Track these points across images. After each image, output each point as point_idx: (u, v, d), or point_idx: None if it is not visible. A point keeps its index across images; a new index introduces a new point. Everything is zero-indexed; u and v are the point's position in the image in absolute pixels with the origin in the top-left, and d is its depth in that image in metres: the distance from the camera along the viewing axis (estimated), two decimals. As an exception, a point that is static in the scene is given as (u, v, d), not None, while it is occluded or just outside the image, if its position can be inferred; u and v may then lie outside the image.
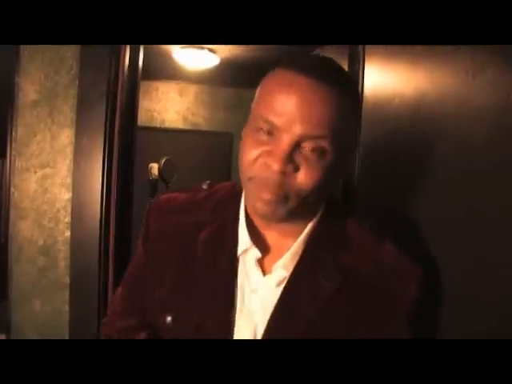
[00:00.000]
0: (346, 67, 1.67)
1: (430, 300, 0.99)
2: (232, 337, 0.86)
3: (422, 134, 1.18)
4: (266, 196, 0.76)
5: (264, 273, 0.87)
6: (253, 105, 0.83)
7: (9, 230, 1.88)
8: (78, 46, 1.82)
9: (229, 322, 0.86)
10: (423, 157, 1.17)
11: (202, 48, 3.66)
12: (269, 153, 0.75)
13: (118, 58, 1.87)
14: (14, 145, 1.86)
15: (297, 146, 0.75)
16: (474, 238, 0.97)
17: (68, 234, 1.86)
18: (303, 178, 0.76)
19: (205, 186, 1.00)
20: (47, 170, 1.86)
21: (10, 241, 1.88)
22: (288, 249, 0.87)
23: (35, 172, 1.86)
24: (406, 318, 0.86)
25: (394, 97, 1.34)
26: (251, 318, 0.86)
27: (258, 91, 0.83)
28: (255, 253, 0.87)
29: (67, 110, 1.85)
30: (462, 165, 1.02)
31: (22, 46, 1.83)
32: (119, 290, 1.06)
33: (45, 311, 1.87)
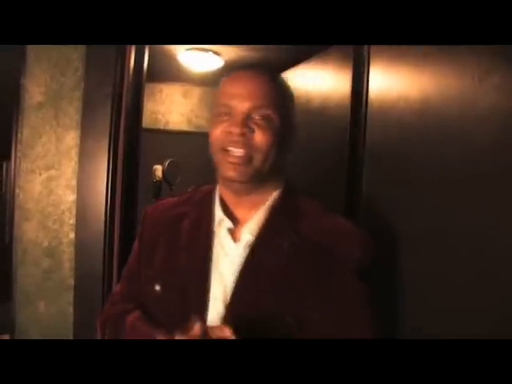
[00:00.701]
0: (350, 70, 1.67)
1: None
2: (208, 297, 1.01)
3: (427, 137, 1.18)
4: (234, 160, 0.99)
5: (235, 241, 1.04)
6: (214, 100, 1.07)
7: (13, 232, 1.89)
8: (84, 47, 1.83)
9: (205, 285, 1.02)
10: (428, 159, 1.17)
11: (207, 50, 3.66)
12: (229, 124, 1.00)
13: (124, 60, 1.87)
14: (19, 146, 1.87)
15: (248, 116, 0.99)
16: (480, 239, 0.97)
17: (73, 235, 1.87)
18: (259, 137, 0.99)
19: (190, 189, 1.18)
20: (52, 172, 1.86)
21: (14, 242, 1.88)
22: (253, 217, 1.06)
23: (40, 174, 1.86)
24: (351, 275, 0.99)
25: (399, 100, 1.34)
26: (223, 278, 1.02)
27: (217, 91, 1.07)
28: (227, 224, 1.05)
29: (72, 111, 1.86)
30: (467, 167, 1.02)
31: (27, 48, 1.84)
32: (118, 284, 1.24)
33: (49, 313, 1.87)
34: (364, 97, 1.56)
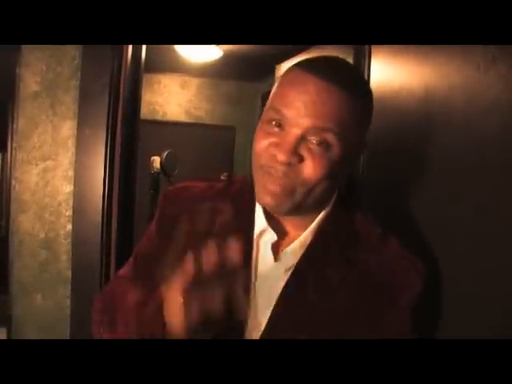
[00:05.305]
0: (351, 60, 1.65)
1: (432, 296, 0.98)
2: (246, 320, 0.88)
3: (430, 129, 1.16)
4: (273, 188, 0.82)
5: (275, 259, 0.90)
6: (268, 99, 0.87)
7: (10, 224, 1.87)
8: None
9: (244, 305, 0.87)
10: (431, 151, 1.15)
11: (205, 40, 3.63)
12: (277, 144, 0.81)
13: (121, 50, 1.85)
14: (15, 137, 1.85)
15: (303, 138, 0.80)
16: (484, 233, 0.96)
17: (70, 227, 1.85)
18: (308, 169, 0.80)
19: (223, 177, 1.04)
20: (49, 163, 1.84)
21: (10, 234, 1.87)
22: (299, 237, 0.90)
23: (36, 164, 1.84)
24: (407, 312, 0.87)
25: (402, 90, 1.32)
26: (256, 303, 0.89)
27: (274, 87, 0.88)
28: (271, 235, 0.89)
29: (69, 101, 1.83)
30: (472, 158, 1.01)
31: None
32: (124, 268, 1.04)
33: (46, 305, 1.86)
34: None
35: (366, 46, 1.54)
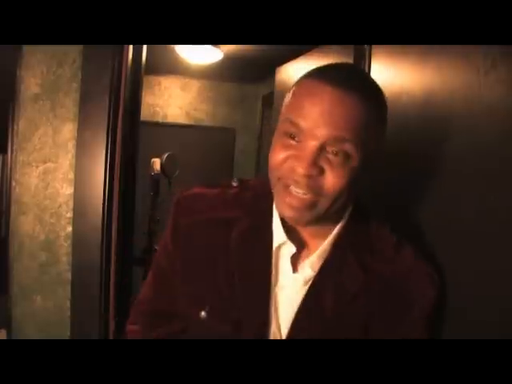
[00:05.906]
0: (351, 62, 1.65)
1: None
2: (268, 332, 0.89)
3: (431, 132, 1.16)
4: (293, 202, 0.81)
5: (294, 270, 0.90)
6: (282, 110, 0.86)
7: (10, 225, 1.87)
8: (81, 39, 1.81)
9: (265, 318, 0.89)
10: (432, 154, 1.15)
11: (206, 43, 3.64)
12: (295, 157, 0.79)
13: (121, 51, 1.85)
14: (15, 139, 1.85)
15: (322, 150, 0.78)
16: (486, 237, 0.96)
17: (70, 229, 1.85)
18: (329, 181, 0.79)
19: (234, 183, 1.01)
20: (49, 165, 1.84)
21: (10, 236, 1.87)
22: (317, 249, 0.91)
23: (37, 167, 1.84)
24: (421, 322, 0.89)
25: (402, 94, 1.32)
26: (278, 314, 0.90)
27: (287, 97, 0.86)
28: (290, 248, 0.89)
29: (70, 103, 1.83)
30: (472, 163, 1.01)
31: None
32: (144, 292, 1.06)
33: (46, 307, 1.86)
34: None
35: (366, 47, 1.54)
